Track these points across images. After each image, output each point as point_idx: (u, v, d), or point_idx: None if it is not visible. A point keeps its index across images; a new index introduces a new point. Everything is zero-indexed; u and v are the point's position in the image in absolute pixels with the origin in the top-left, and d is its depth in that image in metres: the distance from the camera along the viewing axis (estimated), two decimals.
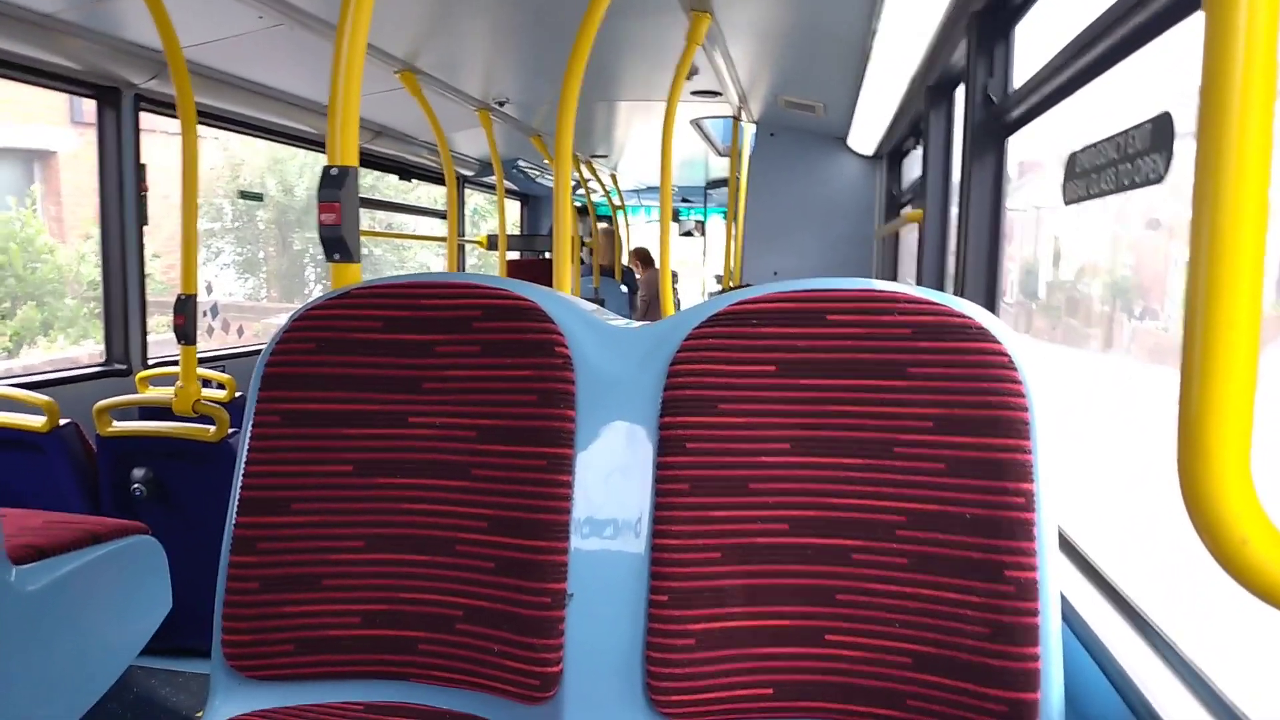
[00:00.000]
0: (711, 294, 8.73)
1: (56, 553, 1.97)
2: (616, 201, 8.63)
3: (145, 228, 3.74)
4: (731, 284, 5.28)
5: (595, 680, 1.21)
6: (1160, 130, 1.12)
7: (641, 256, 8.45)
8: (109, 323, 3.73)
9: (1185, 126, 1.02)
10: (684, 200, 10.15)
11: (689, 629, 1.17)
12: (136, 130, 3.67)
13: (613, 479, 1.25)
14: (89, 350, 10.08)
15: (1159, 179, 1.12)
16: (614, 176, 8.62)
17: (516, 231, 8.98)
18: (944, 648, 1.10)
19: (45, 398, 2.66)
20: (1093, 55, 1.56)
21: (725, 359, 1.21)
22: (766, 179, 5.31)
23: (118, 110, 3.59)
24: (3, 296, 9.93)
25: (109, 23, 3.17)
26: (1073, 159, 1.44)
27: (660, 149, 3.29)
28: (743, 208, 5.26)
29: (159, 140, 3.98)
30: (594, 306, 1.42)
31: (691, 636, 1.16)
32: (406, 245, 14.78)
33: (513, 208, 9.06)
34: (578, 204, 8.53)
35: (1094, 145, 1.33)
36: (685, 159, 7.31)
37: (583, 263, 8.08)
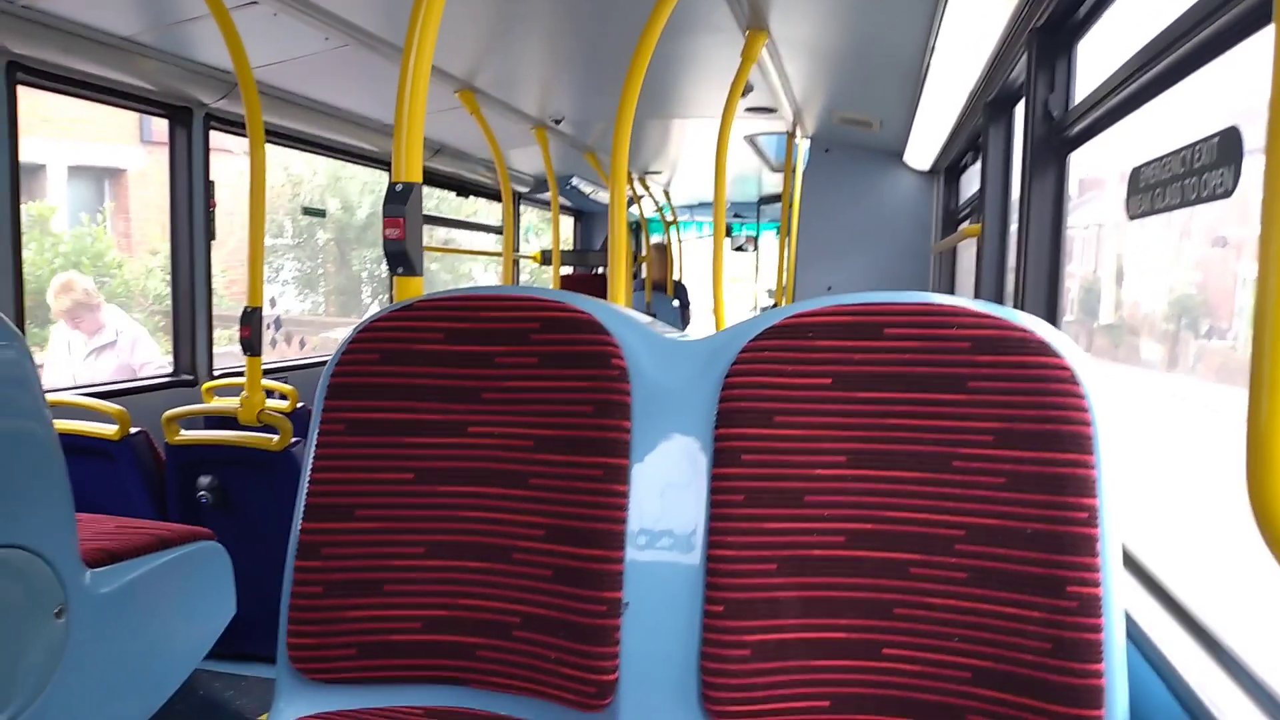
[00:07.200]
0: (763, 309, 8.71)
1: (128, 557, 2.03)
2: (669, 217, 8.67)
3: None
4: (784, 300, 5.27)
5: (651, 689, 1.22)
6: (1228, 144, 1.10)
7: None
8: (177, 335, 3.84)
9: (1254, 142, 1.01)
10: (736, 216, 10.16)
11: (744, 640, 1.17)
12: (206, 148, 3.79)
13: (668, 490, 1.26)
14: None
15: (1227, 194, 1.11)
16: (667, 192, 8.66)
17: (569, 247, 9.07)
18: (1004, 663, 1.09)
19: (117, 407, 2.75)
20: (1157, 70, 1.54)
21: (781, 371, 1.21)
22: (820, 194, 5.29)
23: (189, 129, 3.71)
24: None
25: (182, 45, 3.28)
26: (1136, 173, 1.42)
27: (714, 165, 3.31)
28: (796, 223, 5.25)
29: (219, 159, 4.09)
30: (649, 319, 1.43)
31: (747, 647, 1.17)
32: (459, 260, 15.00)
33: (565, 223, 9.14)
34: (631, 220, 8.59)
35: (1159, 159, 1.32)
36: (738, 175, 7.32)
37: (635, 277, 8.12)
